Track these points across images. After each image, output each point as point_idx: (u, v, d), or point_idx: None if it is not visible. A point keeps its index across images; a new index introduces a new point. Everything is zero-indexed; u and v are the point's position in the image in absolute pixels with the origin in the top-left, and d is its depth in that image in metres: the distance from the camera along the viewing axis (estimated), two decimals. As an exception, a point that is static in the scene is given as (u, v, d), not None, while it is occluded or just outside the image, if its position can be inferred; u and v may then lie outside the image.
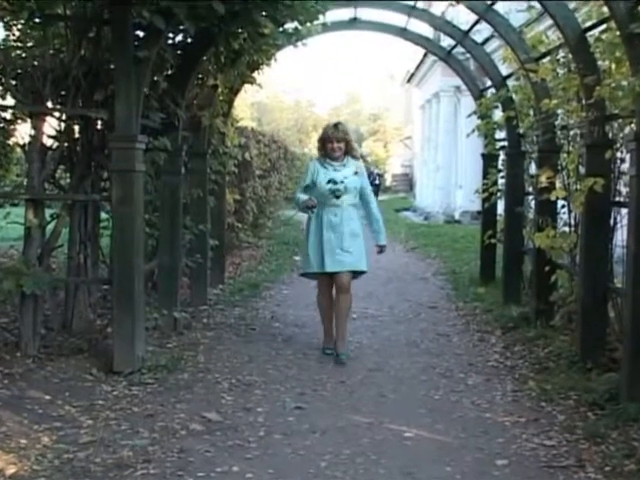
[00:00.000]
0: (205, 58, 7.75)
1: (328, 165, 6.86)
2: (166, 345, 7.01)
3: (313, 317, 8.00)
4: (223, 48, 7.52)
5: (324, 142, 6.91)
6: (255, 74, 9.30)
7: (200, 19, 6.31)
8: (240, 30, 7.19)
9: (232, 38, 7.25)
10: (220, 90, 9.10)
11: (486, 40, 10.89)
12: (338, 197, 6.80)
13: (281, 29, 7.58)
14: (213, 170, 9.74)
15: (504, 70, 9.99)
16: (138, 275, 6.07)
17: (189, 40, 7.42)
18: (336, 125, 6.92)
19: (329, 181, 6.79)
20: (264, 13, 6.75)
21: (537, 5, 7.20)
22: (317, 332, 7.56)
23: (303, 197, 6.84)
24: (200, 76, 8.46)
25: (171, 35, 7.24)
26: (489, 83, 10.41)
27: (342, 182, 6.79)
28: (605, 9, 5.87)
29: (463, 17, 15.41)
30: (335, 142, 6.82)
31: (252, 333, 7.93)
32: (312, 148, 30.56)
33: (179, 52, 7.37)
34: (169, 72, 7.36)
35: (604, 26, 6.18)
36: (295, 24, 7.71)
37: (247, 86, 9.76)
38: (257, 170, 15.15)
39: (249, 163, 14.01)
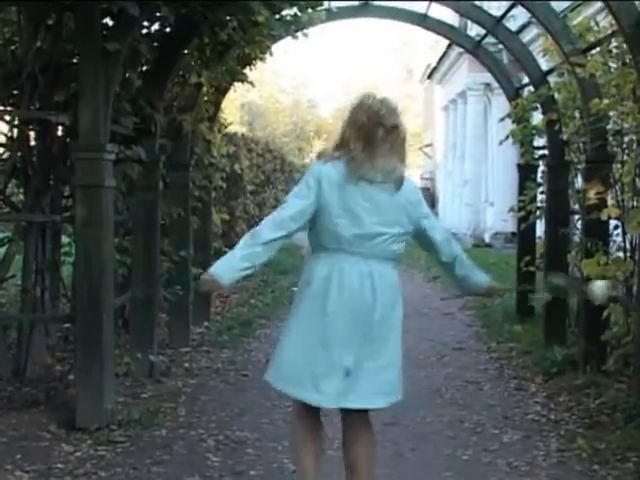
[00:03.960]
0: (187, 51, 7.78)
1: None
2: (140, 395, 6.97)
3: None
4: (208, 39, 7.54)
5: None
6: (247, 70, 9.33)
7: (181, 5, 6.33)
8: (229, 18, 7.22)
9: (219, 27, 7.28)
10: (205, 89, 9.12)
11: (522, 28, 10.94)
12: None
13: (277, 16, 7.60)
14: (197, 185, 9.75)
15: (544, 64, 10.01)
16: (107, 311, 6.04)
17: (168, 30, 7.44)
18: (386, 102, 4.29)
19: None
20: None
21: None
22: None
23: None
24: (181, 73, 8.48)
25: (146, 24, 7.26)
26: (526, 80, 10.42)
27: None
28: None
29: (495, 1, 15.47)
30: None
31: (243, 380, 7.90)
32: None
33: (156, 44, 7.39)
34: (144, 68, 7.37)
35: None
36: (294, 10, 7.74)
37: (237, 85, 9.79)
38: (249, 185, 15.20)
39: (239, 176, 14.06)
